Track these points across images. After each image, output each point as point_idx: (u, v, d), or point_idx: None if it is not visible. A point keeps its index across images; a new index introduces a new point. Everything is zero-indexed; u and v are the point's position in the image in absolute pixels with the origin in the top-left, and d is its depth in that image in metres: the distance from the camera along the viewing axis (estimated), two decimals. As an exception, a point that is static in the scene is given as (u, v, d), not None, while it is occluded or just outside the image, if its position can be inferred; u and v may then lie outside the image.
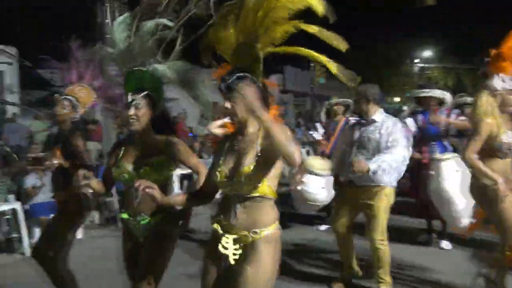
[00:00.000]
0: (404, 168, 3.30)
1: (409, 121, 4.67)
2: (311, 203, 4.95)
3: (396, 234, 4.91)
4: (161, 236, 2.27)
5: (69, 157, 2.92)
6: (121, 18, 2.28)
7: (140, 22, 2.27)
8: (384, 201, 3.30)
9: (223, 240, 1.87)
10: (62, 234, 2.93)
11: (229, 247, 1.85)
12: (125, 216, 2.33)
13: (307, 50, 1.90)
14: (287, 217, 5.91)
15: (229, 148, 1.93)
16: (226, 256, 1.86)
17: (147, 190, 1.90)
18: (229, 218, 1.86)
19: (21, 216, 5.00)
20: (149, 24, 2.28)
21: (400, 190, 5.98)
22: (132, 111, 2.21)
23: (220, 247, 1.87)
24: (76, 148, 2.94)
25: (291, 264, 4.17)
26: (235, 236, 1.85)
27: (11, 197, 5.22)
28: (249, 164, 1.79)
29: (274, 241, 1.86)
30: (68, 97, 3.05)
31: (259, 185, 1.79)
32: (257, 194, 1.81)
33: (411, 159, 4.63)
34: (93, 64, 3.14)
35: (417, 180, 4.59)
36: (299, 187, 5.01)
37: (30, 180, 5.46)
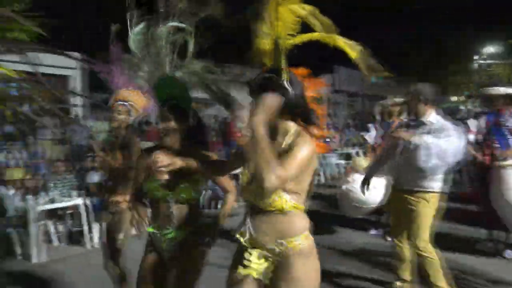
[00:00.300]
0: (443, 165, 2.96)
1: (472, 122, 4.40)
2: (358, 205, 4.77)
3: (456, 243, 4.67)
4: (189, 251, 2.16)
5: (126, 160, 3.01)
6: (137, 28, 2.18)
7: (154, 30, 2.15)
8: (426, 207, 3.10)
9: (246, 255, 1.76)
10: (116, 233, 3.02)
11: (251, 264, 1.74)
12: (151, 230, 2.25)
13: (326, 35, 1.67)
14: (336, 221, 5.83)
15: None
16: (252, 273, 1.75)
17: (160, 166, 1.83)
18: (251, 230, 1.75)
19: (83, 211, 5.33)
20: (162, 29, 2.15)
21: (460, 195, 5.69)
22: (162, 126, 2.13)
23: (243, 263, 1.76)
24: (132, 154, 2.98)
25: (339, 270, 4.09)
26: (259, 251, 1.75)
27: (75, 193, 5.57)
28: None
29: (307, 253, 1.71)
30: (123, 102, 3.06)
31: (275, 200, 1.66)
32: (273, 209, 1.68)
33: (475, 163, 4.37)
34: None
35: (481, 186, 4.32)
36: (345, 188, 4.85)
37: (93, 178, 5.80)
